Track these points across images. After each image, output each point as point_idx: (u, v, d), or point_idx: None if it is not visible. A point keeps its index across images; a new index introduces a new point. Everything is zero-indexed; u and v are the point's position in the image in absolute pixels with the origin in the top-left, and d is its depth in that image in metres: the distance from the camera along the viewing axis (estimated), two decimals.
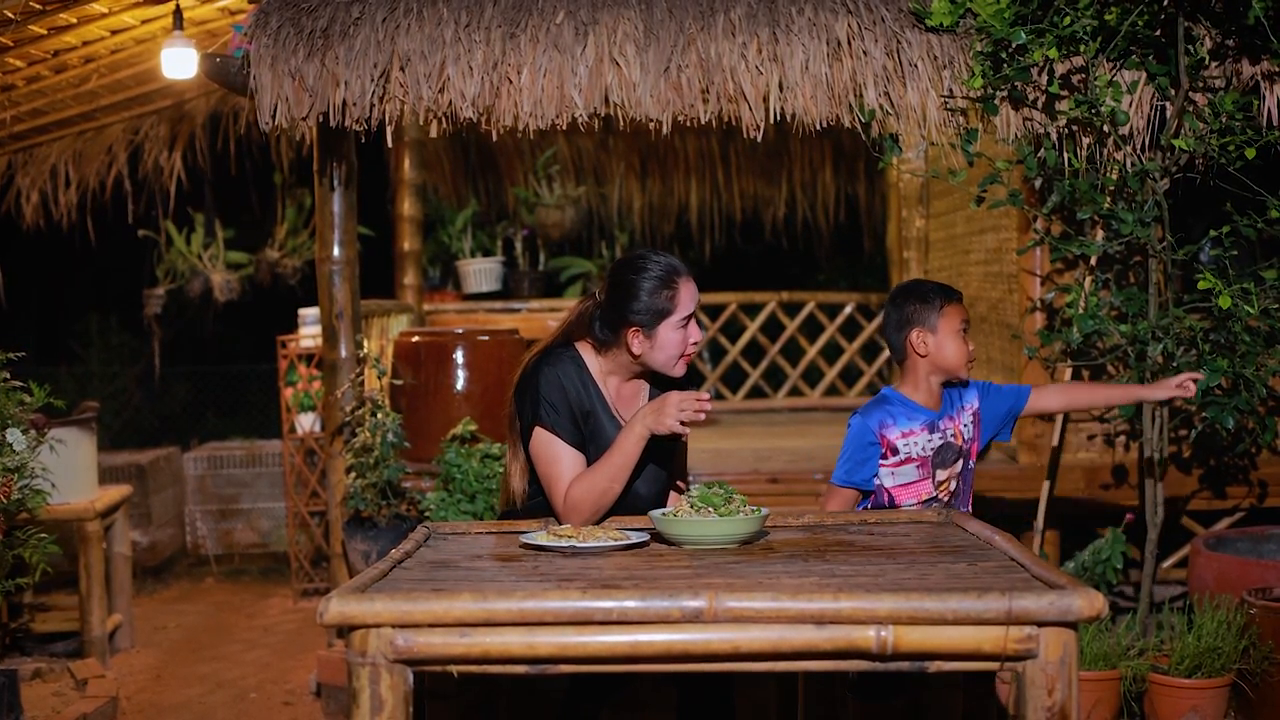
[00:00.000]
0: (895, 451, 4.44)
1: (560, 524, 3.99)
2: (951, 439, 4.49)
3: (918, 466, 4.45)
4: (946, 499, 4.49)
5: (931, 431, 4.46)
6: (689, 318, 4.14)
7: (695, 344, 4.17)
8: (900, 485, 4.45)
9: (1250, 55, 5.65)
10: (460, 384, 6.87)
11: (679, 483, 4.42)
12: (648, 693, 4.72)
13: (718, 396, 11.21)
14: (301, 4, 5.81)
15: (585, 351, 4.23)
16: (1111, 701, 5.27)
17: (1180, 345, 5.59)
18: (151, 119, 9.68)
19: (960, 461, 4.51)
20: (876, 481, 4.45)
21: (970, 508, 4.57)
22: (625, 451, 3.99)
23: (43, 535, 5.88)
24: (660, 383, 4.30)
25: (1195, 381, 4.56)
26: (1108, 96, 5.48)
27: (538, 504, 4.21)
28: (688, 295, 4.13)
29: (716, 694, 4.12)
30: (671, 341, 4.12)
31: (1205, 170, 5.62)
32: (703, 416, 3.91)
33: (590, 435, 4.14)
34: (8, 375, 5.78)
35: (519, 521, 4.08)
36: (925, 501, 4.45)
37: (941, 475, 4.47)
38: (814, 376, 11.18)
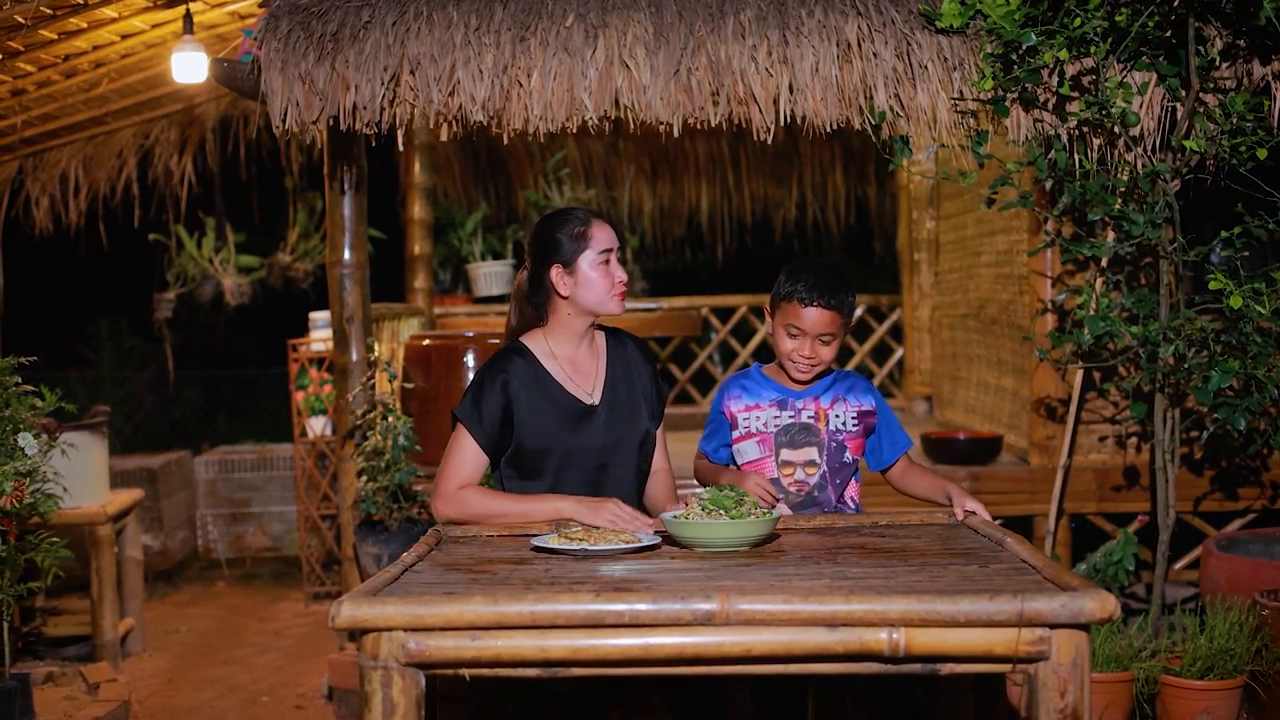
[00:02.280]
0: (736, 425, 4.35)
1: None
2: (809, 420, 4.29)
3: (758, 443, 4.30)
4: (798, 490, 4.28)
5: (781, 409, 4.31)
6: (607, 253, 4.24)
7: (623, 282, 4.26)
8: (747, 463, 4.32)
9: (1261, 56, 5.64)
10: None
11: (664, 477, 4.44)
12: (656, 694, 4.72)
13: None
14: (311, 8, 5.82)
15: (533, 340, 4.32)
16: (1124, 703, 5.27)
17: (1191, 346, 5.58)
18: (161, 123, 9.70)
19: (818, 449, 4.29)
20: (732, 462, 4.36)
21: (850, 508, 4.36)
22: (528, 515, 4.07)
23: (54, 539, 5.91)
24: (615, 335, 4.43)
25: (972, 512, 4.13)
26: (1118, 98, 5.47)
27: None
28: (601, 232, 4.26)
29: (707, 699, 4.14)
30: (595, 277, 4.22)
31: (1216, 171, 5.61)
32: (630, 531, 3.91)
33: (542, 424, 4.20)
34: (19, 380, 5.80)
35: (529, 525, 4.09)
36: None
37: (788, 455, 4.28)
38: None
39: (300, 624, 8.26)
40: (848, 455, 4.32)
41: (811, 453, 4.29)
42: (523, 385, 4.20)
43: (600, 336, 4.40)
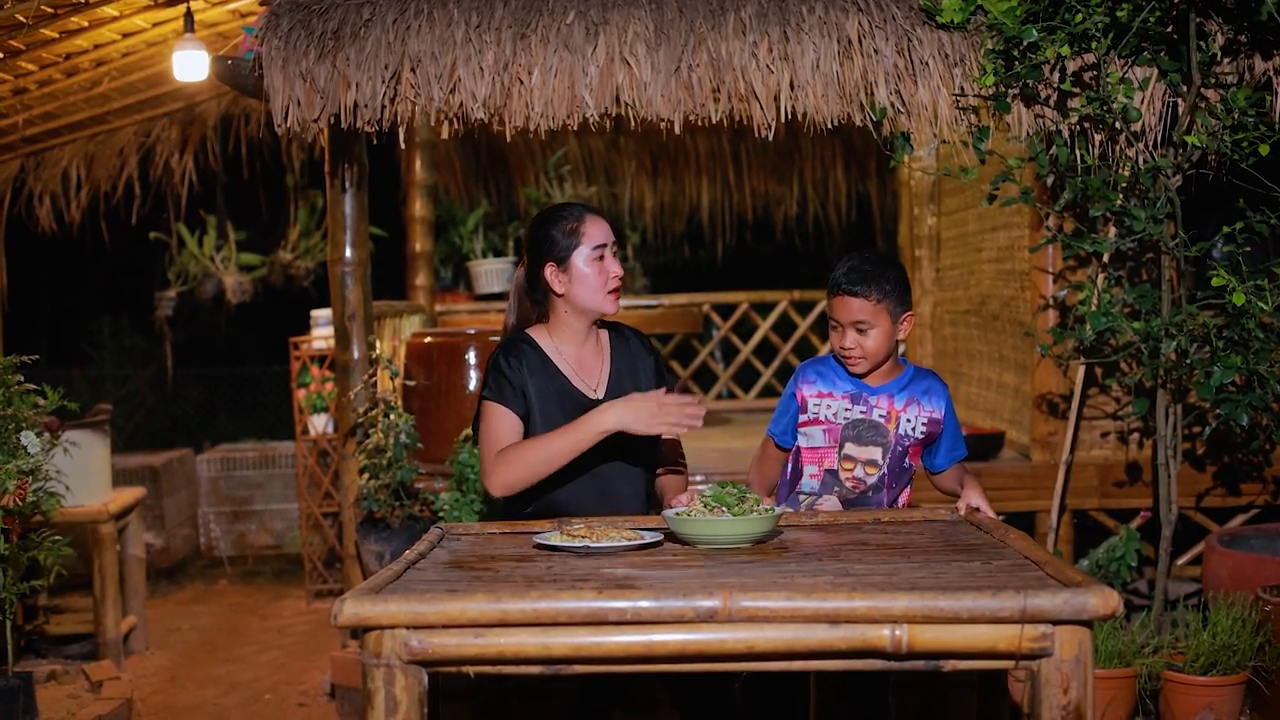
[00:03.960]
0: (805, 409, 4.33)
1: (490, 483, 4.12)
2: (880, 420, 4.27)
3: (824, 431, 4.29)
4: (854, 487, 4.27)
5: (854, 402, 4.28)
6: (601, 249, 4.23)
7: (618, 277, 4.26)
8: (809, 448, 4.31)
9: (1262, 51, 5.64)
10: (473, 384, 6.87)
11: (678, 469, 4.45)
12: (661, 692, 4.72)
13: (730, 395, 11.20)
14: (312, 6, 5.82)
15: (537, 333, 4.33)
16: (1126, 699, 5.27)
17: (1193, 342, 5.58)
18: (163, 122, 9.69)
19: (882, 450, 4.28)
20: (796, 444, 4.35)
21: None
22: (578, 440, 4.04)
23: (57, 538, 5.90)
24: (617, 330, 4.46)
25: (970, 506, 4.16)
26: (1120, 93, 5.47)
27: (509, 509, 4.31)
28: (594, 228, 4.24)
29: (716, 696, 4.14)
30: (588, 274, 4.23)
31: (1218, 167, 5.61)
32: (696, 424, 3.99)
33: (549, 414, 4.20)
34: (21, 378, 5.79)
35: (531, 522, 4.09)
36: (826, 473, 4.28)
37: (851, 450, 4.27)
38: None
39: (302, 622, 8.27)
40: (908, 461, 4.31)
41: (875, 453, 4.28)
42: (533, 371, 4.22)
43: (604, 333, 4.41)
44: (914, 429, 4.28)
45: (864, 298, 4.19)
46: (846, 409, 4.29)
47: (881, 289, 4.20)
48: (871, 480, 4.27)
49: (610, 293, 4.26)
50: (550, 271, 4.24)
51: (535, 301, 4.34)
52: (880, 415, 4.27)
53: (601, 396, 4.27)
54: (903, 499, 4.35)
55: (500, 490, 4.10)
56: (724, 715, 4.15)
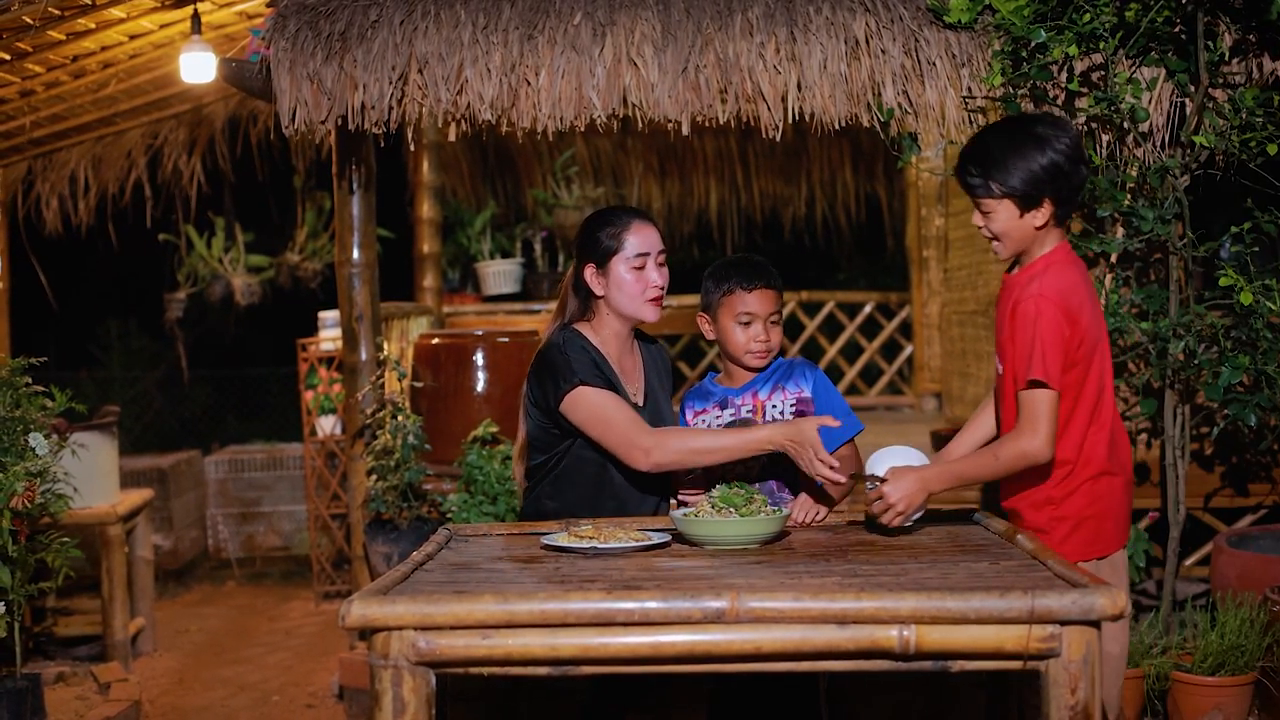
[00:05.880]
0: None
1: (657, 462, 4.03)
2: (748, 414, 4.27)
3: None
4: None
5: (723, 408, 4.30)
6: (643, 257, 4.22)
7: (658, 287, 4.24)
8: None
9: (1271, 50, 5.63)
10: (480, 386, 6.87)
11: None
12: (674, 693, 4.72)
13: None
14: (319, 7, 5.82)
15: (583, 328, 4.31)
16: (1135, 700, 5.26)
17: (1201, 342, 5.57)
18: (170, 123, 9.71)
19: None
20: None
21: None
22: (744, 445, 4.00)
23: (65, 539, 5.91)
24: (643, 338, 4.45)
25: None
26: (1127, 93, 5.46)
27: (536, 506, 4.27)
28: (636, 236, 4.23)
29: (749, 690, 4.13)
30: (626, 280, 4.22)
31: (1226, 167, 5.60)
32: (833, 477, 3.90)
33: None
34: (30, 380, 5.80)
35: (539, 523, 4.09)
36: (720, 483, 4.18)
37: None
38: (834, 376, 11.15)
39: (311, 623, 8.27)
40: None
41: None
42: (598, 360, 4.20)
43: (637, 342, 4.41)
44: (782, 412, 4.26)
45: (775, 288, 4.27)
46: (718, 416, 4.31)
47: (781, 284, 4.31)
48: (752, 471, 4.26)
49: (649, 301, 4.24)
50: (590, 272, 4.25)
51: (581, 299, 4.33)
52: (747, 410, 4.29)
53: (642, 404, 4.27)
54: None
55: (649, 466, 4.03)
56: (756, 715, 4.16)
